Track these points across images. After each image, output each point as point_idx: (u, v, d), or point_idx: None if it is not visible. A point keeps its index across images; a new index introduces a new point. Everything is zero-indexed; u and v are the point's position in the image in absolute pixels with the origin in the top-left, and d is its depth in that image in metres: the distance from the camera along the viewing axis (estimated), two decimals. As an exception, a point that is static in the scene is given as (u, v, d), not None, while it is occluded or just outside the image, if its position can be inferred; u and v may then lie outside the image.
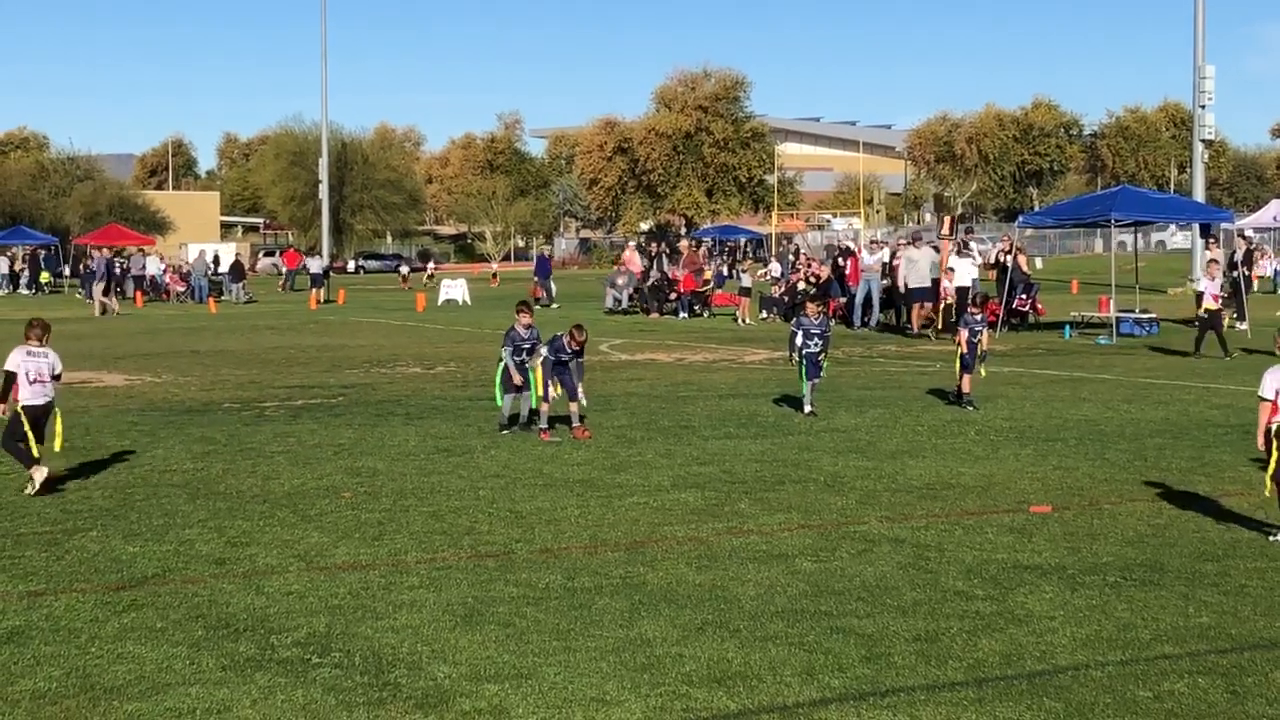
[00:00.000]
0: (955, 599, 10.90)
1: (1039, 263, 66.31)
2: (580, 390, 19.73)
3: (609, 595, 11.02)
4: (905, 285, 39.75)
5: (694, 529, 13.50)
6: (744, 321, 45.42)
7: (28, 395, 15.61)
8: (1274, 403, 12.96)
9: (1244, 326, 38.29)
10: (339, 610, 10.65)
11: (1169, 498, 14.87)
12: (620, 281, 52.41)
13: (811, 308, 22.56)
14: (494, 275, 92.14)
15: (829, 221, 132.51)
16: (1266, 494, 12.99)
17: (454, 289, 63.34)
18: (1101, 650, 9.55)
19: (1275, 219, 71.97)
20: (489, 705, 8.54)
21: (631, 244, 59.49)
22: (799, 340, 21.61)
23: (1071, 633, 9.95)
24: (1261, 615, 10.41)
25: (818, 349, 21.66)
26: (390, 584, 11.43)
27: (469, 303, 61.08)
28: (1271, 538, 12.79)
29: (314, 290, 65.74)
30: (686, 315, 48.73)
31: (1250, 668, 9.17)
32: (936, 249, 40.90)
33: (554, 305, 54.51)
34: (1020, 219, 46.09)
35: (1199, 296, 32.69)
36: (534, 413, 19.95)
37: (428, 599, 10.95)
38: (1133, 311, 38.74)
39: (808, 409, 21.54)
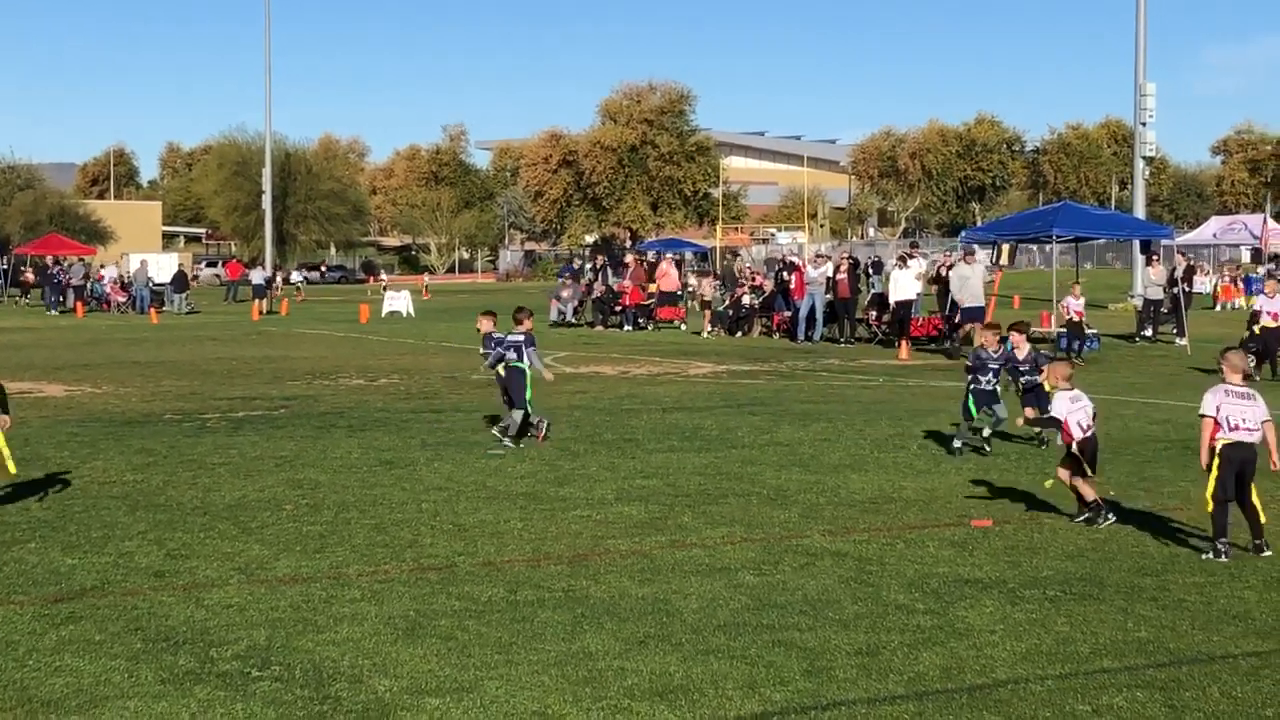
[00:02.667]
0: (896, 612, 10.94)
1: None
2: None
3: (551, 608, 11.01)
4: (957, 303, 36.91)
5: (637, 542, 13.50)
6: (706, 333, 45.44)
7: None
8: (1215, 420, 13.07)
9: (1184, 343, 38.61)
10: (280, 623, 10.60)
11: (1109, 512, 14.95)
12: (565, 294, 52.40)
13: (990, 338, 20.00)
14: (425, 289, 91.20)
15: (774, 235, 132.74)
16: (1207, 510, 13.10)
17: (398, 301, 63.17)
18: (1041, 664, 9.61)
19: (1215, 236, 72.75)
20: (430, 719, 8.51)
21: (668, 256, 57.38)
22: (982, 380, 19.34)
23: (1011, 646, 10.01)
24: (1199, 629, 10.49)
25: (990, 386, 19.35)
26: (331, 597, 11.38)
27: (413, 314, 60.92)
28: (1204, 556, 12.89)
29: (256, 301, 65.43)
30: (631, 328, 48.77)
31: (1188, 682, 9.23)
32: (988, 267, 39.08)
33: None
34: (963, 234, 46.34)
35: (1255, 315, 31.81)
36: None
37: (369, 612, 10.91)
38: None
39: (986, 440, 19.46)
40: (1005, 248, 37.87)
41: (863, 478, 17.13)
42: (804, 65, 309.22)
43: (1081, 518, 14.37)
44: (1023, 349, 19.86)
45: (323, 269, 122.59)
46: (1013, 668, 9.53)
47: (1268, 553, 12.96)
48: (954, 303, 39.59)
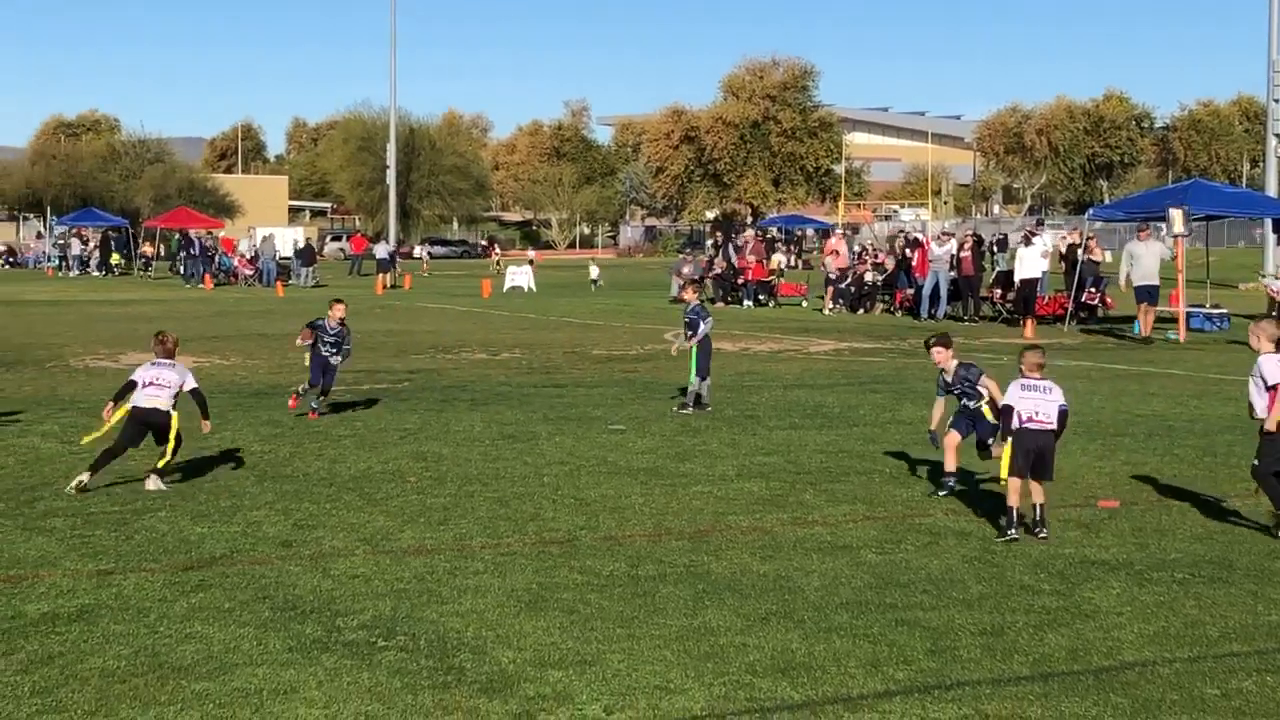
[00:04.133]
0: (1021, 593, 10.84)
1: (1109, 256, 65.80)
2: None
3: (673, 584, 11.03)
4: (1125, 283, 35.71)
5: (758, 519, 13.48)
6: (827, 310, 45.30)
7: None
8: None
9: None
10: (404, 594, 10.70)
11: (1238, 495, 14.72)
12: (686, 270, 52.39)
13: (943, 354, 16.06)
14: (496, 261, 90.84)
15: (896, 212, 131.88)
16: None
17: (519, 276, 63.49)
18: (1169, 647, 9.48)
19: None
20: (553, 691, 8.56)
21: (839, 233, 56.03)
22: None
23: (1139, 629, 9.88)
24: (1332, 614, 10.31)
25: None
26: (455, 569, 11.47)
27: (534, 290, 61.19)
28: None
29: (380, 275, 66.00)
30: (752, 304, 48.65)
31: (1320, 667, 9.08)
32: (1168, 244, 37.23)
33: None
34: (1090, 212, 45.75)
35: None
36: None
37: (492, 584, 10.98)
38: (1203, 307, 38.38)
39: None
40: (1177, 214, 35.57)
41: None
42: (929, 40, 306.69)
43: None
44: (949, 367, 15.92)
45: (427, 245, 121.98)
46: (1140, 650, 9.42)
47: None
48: (1080, 280, 39.13)
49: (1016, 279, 40.25)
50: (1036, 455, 13.04)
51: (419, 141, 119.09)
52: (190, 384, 15.34)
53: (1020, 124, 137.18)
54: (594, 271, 66.66)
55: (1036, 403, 13.20)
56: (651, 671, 8.90)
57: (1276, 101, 53.95)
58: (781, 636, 9.63)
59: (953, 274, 42.32)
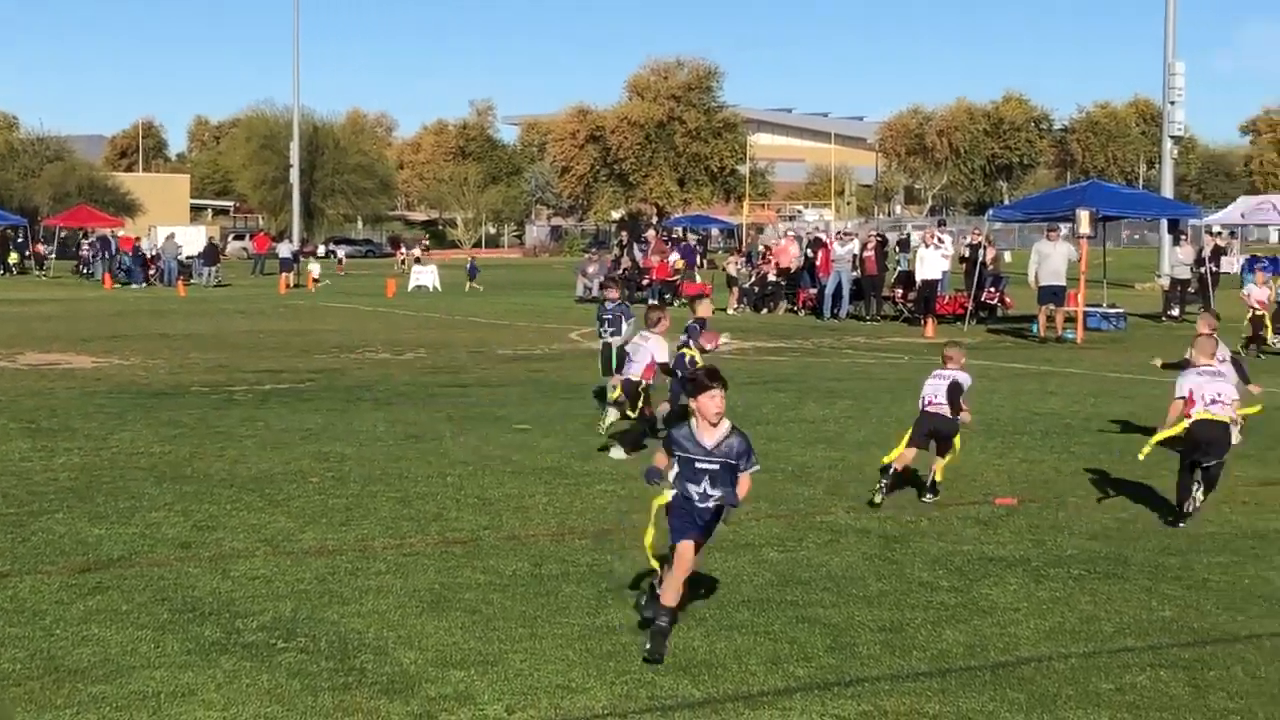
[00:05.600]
0: (920, 590, 10.95)
1: (1008, 256, 66.47)
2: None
3: (576, 583, 11.05)
4: (1035, 282, 35.91)
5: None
6: (731, 309, 45.53)
7: None
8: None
9: (1211, 322, 38.40)
10: (305, 595, 10.65)
11: (1133, 492, 14.94)
12: (591, 270, 52.41)
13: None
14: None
15: (800, 212, 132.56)
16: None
17: (424, 275, 63.27)
18: (1064, 642, 9.61)
19: (1243, 216, 72.41)
20: (455, 691, 8.55)
21: (789, 233, 55.02)
22: None
23: (1035, 624, 10.01)
24: (1224, 609, 10.48)
25: None
26: (357, 569, 11.43)
27: (440, 289, 60.98)
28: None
29: (283, 274, 65.56)
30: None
31: (1212, 661, 9.23)
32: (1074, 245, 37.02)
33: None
34: (990, 212, 46.24)
35: None
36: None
37: (394, 585, 10.95)
38: (1100, 306, 38.87)
39: None
40: (1084, 215, 35.77)
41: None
42: (832, 42, 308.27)
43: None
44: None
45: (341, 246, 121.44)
46: (1036, 645, 9.54)
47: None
48: (980, 279, 39.53)
49: (918, 279, 40.60)
50: (933, 433, 14.53)
51: (323, 140, 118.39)
52: None
53: (921, 125, 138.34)
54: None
55: (936, 388, 14.63)
56: (553, 671, 8.91)
57: (1172, 104, 54.82)
58: (683, 634, 9.67)
59: (855, 274, 42.62)
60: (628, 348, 18.44)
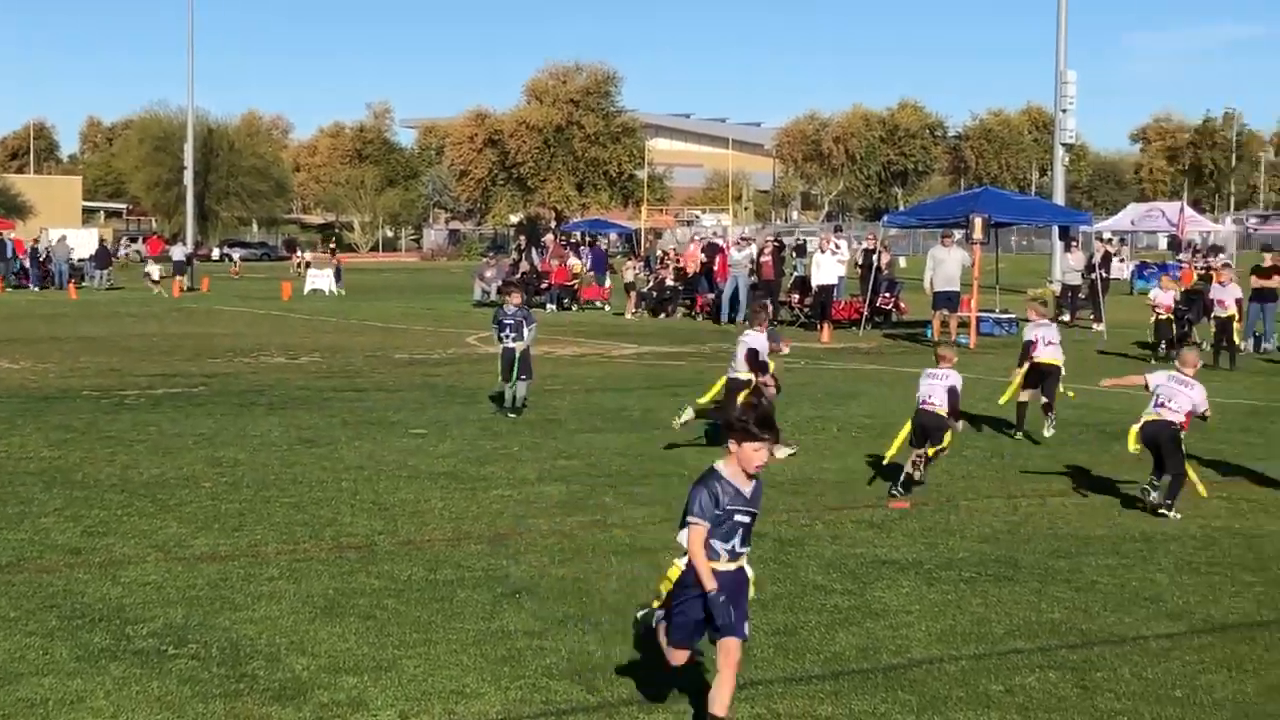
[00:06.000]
0: (814, 593, 11.02)
1: (903, 262, 67.01)
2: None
3: (471, 588, 11.02)
4: (930, 288, 35.93)
5: (558, 522, 13.52)
6: (629, 314, 45.59)
7: None
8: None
9: (1101, 328, 38.96)
10: (197, 601, 10.55)
11: (1024, 494, 15.12)
12: (489, 274, 52.28)
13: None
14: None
15: (698, 217, 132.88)
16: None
17: (320, 279, 62.81)
18: (955, 644, 9.71)
19: (1133, 223, 73.38)
20: (347, 697, 8.51)
21: (698, 237, 54.06)
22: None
23: (927, 627, 10.11)
24: (1111, 611, 10.63)
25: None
26: (250, 575, 11.34)
27: (335, 292, 60.58)
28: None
29: (177, 277, 64.86)
30: (555, 308, 48.72)
31: (1100, 662, 9.36)
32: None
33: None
34: (885, 218, 46.52)
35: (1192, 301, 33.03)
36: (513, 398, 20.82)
37: (287, 590, 10.88)
38: (993, 312, 39.26)
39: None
40: (978, 221, 36.13)
41: (783, 459, 17.19)
42: (730, 48, 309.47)
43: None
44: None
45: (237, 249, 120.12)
46: (928, 648, 9.63)
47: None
48: (875, 285, 39.84)
49: (814, 284, 40.82)
50: (923, 429, 15.36)
51: (217, 142, 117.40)
52: None
53: (818, 132, 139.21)
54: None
55: (931, 388, 15.61)
56: (448, 676, 8.89)
57: (1064, 112, 55.49)
58: (579, 639, 9.68)
59: (753, 279, 42.79)
60: (735, 350, 18.76)
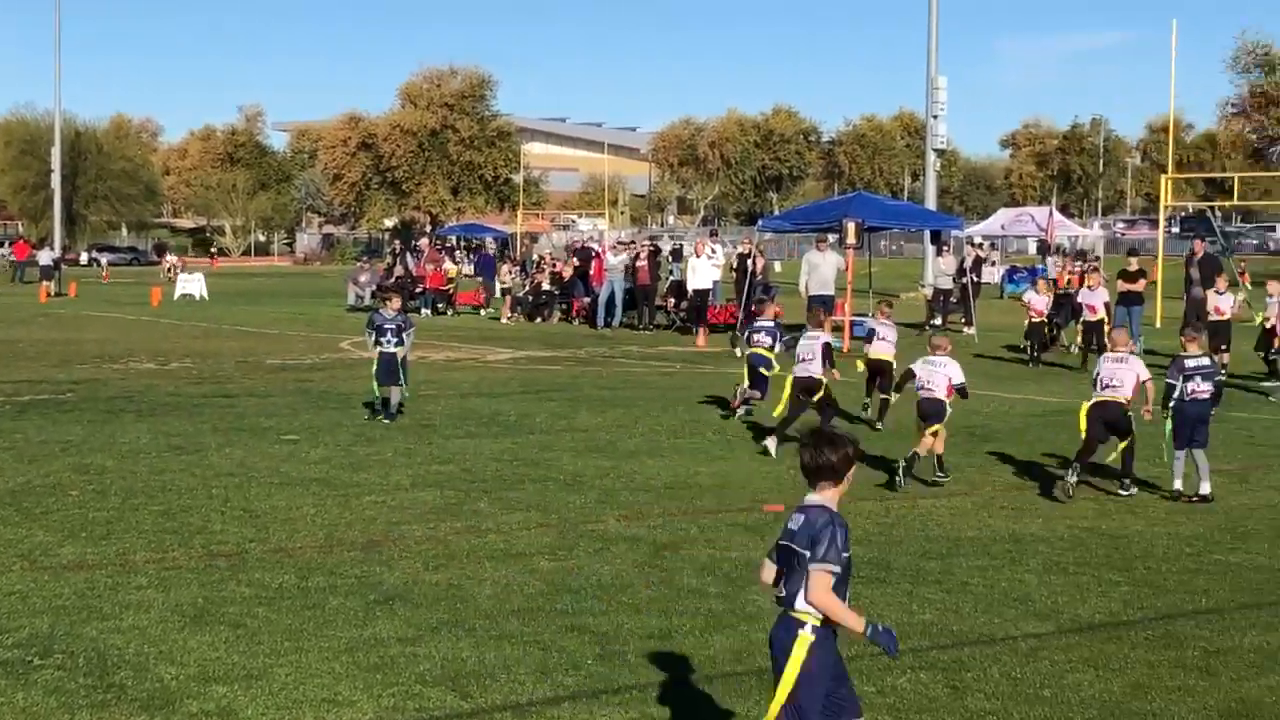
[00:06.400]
0: (689, 597, 11.04)
1: (778, 266, 67.46)
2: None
3: (343, 595, 10.93)
4: (805, 292, 35.81)
5: (432, 528, 13.45)
6: (505, 318, 45.51)
7: None
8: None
9: (971, 331, 39.41)
10: (63, 611, 10.38)
11: (896, 497, 15.26)
12: (363, 278, 51.93)
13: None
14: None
15: (574, 222, 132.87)
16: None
17: (191, 284, 62.05)
18: (829, 646, 9.75)
19: (1003, 227, 74.27)
20: (217, 707, 8.41)
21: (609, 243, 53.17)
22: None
23: (800, 629, 10.14)
24: (981, 612, 10.75)
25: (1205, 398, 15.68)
26: (117, 584, 11.17)
27: (206, 298, 59.86)
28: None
29: (44, 283, 63.78)
30: (430, 313, 48.49)
31: (970, 663, 9.46)
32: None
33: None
34: (760, 223, 46.78)
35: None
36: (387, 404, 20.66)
37: (156, 599, 10.72)
38: (866, 316, 39.57)
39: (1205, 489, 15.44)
40: (851, 225, 36.31)
41: (659, 463, 17.24)
42: (606, 52, 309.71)
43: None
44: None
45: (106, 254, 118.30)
46: (801, 650, 9.66)
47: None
48: (751, 289, 40.03)
49: (689, 289, 40.93)
50: (924, 413, 16.36)
51: (85, 145, 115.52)
52: None
53: (694, 136, 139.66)
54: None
55: (930, 374, 16.59)
56: (319, 684, 8.81)
57: (935, 118, 56.06)
58: (452, 645, 9.63)
59: (628, 283, 42.84)
60: (799, 349, 19.34)
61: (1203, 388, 15.45)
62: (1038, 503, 15.09)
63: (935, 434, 16.24)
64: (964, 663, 9.46)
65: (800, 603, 6.65)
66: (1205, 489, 15.19)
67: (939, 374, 16.59)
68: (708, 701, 8.60)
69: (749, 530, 13.51)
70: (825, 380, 18.83)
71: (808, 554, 6.61)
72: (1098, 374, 16.04)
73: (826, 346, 18.91)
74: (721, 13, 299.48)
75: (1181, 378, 15.49)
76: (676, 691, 8.78)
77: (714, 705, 8.53)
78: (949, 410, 16.48)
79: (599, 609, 10.62)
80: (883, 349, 21.24)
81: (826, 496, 6.85)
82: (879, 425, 20.18)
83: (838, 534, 6.66)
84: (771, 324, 21.79)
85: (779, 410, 18.92)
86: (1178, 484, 15.40)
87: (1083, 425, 15.76)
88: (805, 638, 6.57)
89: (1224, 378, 15.82)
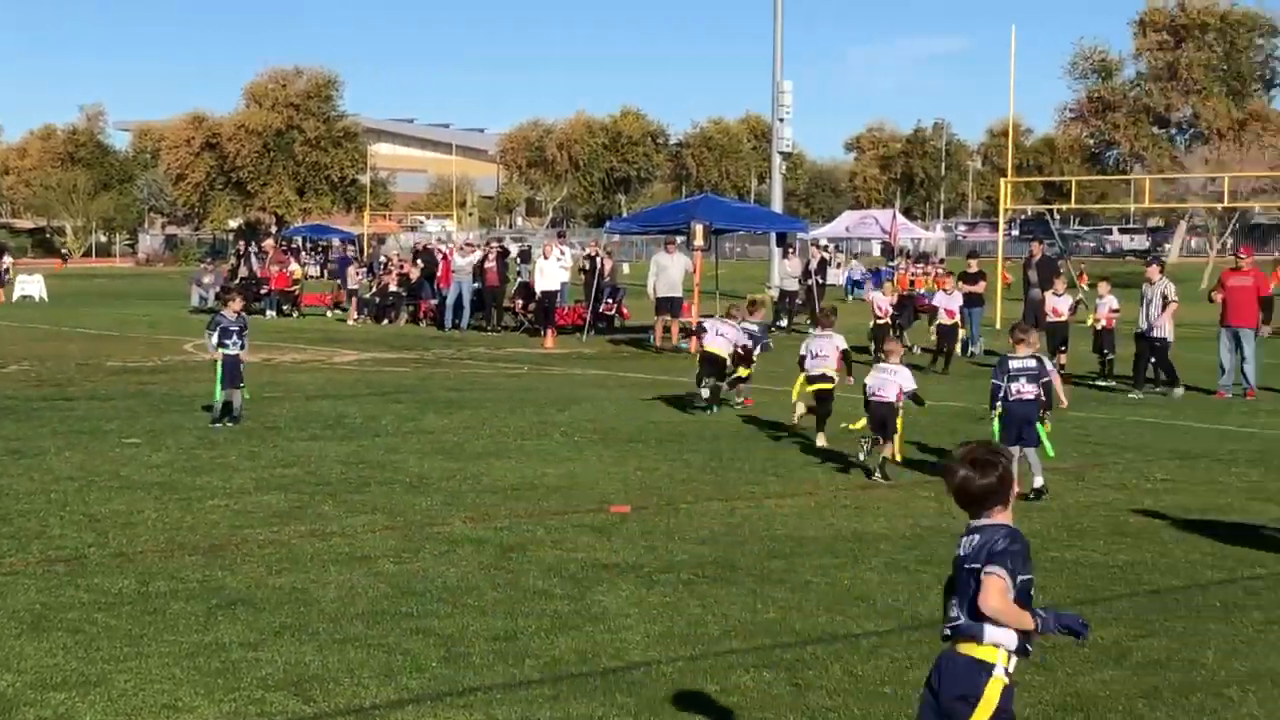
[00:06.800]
0: (535, 598, 11.06)
1: (626, 268, 67.64)
2: None
3: (185, 600, 10.80)
4: (653, 294, 36.43)
5: (275, 532, 13.33)
6: (351, 320, 45.25)
7: None
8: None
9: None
10: (-105, 620, 10.15)
11: (742, 497, 15.39)
12: (206, 280, 51.30)
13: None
14: None
15: (422, 223, 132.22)
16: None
17: (30, 285, 60.86)
18: (673, 646, 9.83)
19: (848, 230, 75.19)
20: (55, 714, 8.28)
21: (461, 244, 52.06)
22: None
23: (645, 629, 10.21)
24: (824, 610, 10.87)
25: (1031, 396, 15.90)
26: (-49, 591, 10.94)
27: (46, 299, 58.75)
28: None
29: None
30: (275, 314, 48.01)
31: (812, 661, 9.56)
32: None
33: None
34: (608, 225, 46.90)
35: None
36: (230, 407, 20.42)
37: (-8, 606, 10.53)
38: (714, 317, 39.77)
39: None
40: (698, 227, 36.54)
41: (505, 465, 17.24)
42: (454, 54, 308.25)
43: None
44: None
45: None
46: (646, 650, 9.73)
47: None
48: (599, 291, 40.11)
49: (537, 290, 40.92)
50: (878, 418, 16.90)
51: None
52: None
53: (542, 138, 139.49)
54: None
55: (880, 382, 17.10)
56: (160, 690, 8.70)
57: (781, 121, 56.53)
58: (295, 649, 9.56)
59: (476, 284, 42.75)
60: (811, 346, 19.75)
61: (1027, 388, 15.68)
62: (881, 501, 15.30)
63: (891, 440, 16.93)
64: (806, 661, 9.56)
65: (987, 635, 5.94)
66: (1039, 482, 15.50)
67: (889, 381, 17.10)
68: (552, 702, 8.62)
69: (595, 531, 13.55)
70: (835, 380, 19.39)
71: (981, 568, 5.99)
72: (867, 383, 17.32)
73: (845, 353, 19.65)
74: (569, 14, 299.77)
75: (1006, 378, 15.76)
76: (521, 693, 8.79)
77: (558, 706, 8.55)
78: (899, 413, 17.03)
79: (444, 611, 10.60)
80: (715, 344, 22.71)
81: (1002, 514, 6.20)
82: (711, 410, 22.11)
83: (1018, 547, 6.01)
84: (756, 327, 24.09)
85: (798, 410, 19.42)
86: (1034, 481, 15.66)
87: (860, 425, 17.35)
88: (999, 680, 5.94)
89: (1050, 379, 16.04)
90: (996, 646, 5.93)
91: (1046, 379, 16.02)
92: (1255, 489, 16.26)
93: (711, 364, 22.59)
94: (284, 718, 8.32)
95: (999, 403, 15.73)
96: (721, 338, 22.74)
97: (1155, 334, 26.09)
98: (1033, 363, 15.94)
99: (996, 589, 5.89)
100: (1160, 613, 10.93)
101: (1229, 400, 25.22)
